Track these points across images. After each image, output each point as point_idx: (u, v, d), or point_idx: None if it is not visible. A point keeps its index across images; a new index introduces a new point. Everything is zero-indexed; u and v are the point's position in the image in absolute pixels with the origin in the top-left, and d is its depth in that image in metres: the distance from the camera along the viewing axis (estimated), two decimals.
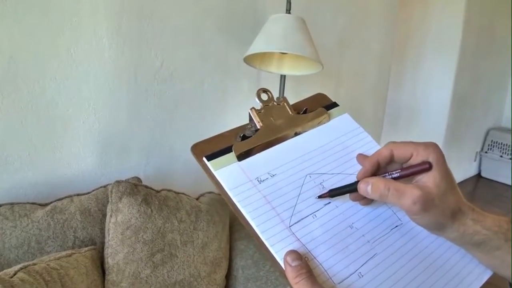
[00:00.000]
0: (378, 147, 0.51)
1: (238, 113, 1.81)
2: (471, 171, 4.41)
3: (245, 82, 1.80)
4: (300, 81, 2.01)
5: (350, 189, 0.46)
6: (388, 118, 3.34)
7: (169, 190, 1.35)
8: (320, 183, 0.48)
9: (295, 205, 0.44)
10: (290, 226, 0.42)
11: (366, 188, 0.44)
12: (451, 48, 3.60)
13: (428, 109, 3.76)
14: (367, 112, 2.64)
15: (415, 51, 3.77)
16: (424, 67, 3.77)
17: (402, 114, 3.86)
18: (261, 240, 0.41)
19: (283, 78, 1.68)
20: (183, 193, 1.38)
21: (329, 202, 0.46)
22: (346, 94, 2.44)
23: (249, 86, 1.89)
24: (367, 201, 0.47)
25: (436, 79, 3.71)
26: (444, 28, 3.58)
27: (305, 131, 0.53)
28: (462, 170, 4.18)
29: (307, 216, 0.44)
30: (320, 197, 0.46)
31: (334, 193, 0.46)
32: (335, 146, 0.52)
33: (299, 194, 0.46)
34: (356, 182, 0.45)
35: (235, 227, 1.50)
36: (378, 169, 0.46)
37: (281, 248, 0.41)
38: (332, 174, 0.49)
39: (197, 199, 1.41)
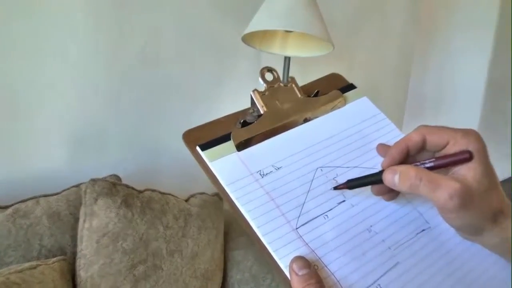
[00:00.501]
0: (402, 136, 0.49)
1: (235, 100, 1.78)
2: (509, 172, 4.40)
3: (243, 65, 1.79)
4: (307, 64, 2.00)
5: (372, 180, 0.45)
6: (410, 108, 3.32)
7: (153, 190, 1.35)
8: (334, 178, 0.48)
9: (304, 204, 0.45)
10: (297, 228, 0.43)
11: (393, 177, 0.43)
12: (485, 25, 3.57)
13: (458, 98, 3.73)
14: (386, 100, 2.63)
15: (443, 29, 3.75)
16: (453, 48, 3.74)
17: (426, 104, 3.83)
18: (263, 244, 0.41)
19: (287, 60, 1.67)
20: (170, 194, 1.37)
21: (344, 201, 0.46)
22: (361, 80, 2.44)
23: (248, 70, 1.87)
24: (392, 195, 0.47)
25: (467, 62, 3.68)
26: (477, 1, 3.55)
27: (317, 117, 0.53)
28: (498, 170, 4.15)
29: (317, 216, 0.44)
30: (336, 188, 0.46)
31: (353, 184, 0.46)
32: (352, 134, 0.52)
33: (308, 191, 0.46)
34: (381, 172, 0.44)
35: (231, 234, 1.49)
36: (406, 158, 0.45)
37: (287, 254, 0.41)
38: (348, 167, 0.49)
39: (186, 200, 1.41)
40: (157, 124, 1.62)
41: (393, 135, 0.53)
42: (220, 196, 1.46)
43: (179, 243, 1.30)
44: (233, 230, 1.47)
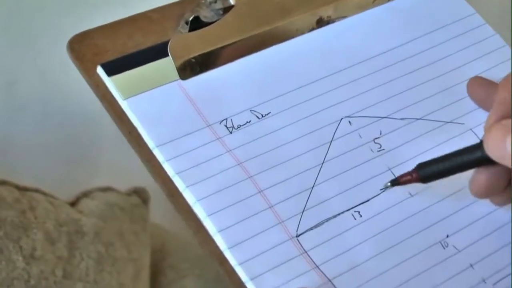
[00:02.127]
0: None
1: None
2: None
3: None
4: None
5: (466, 160, 0.34)
6: None
7: (3, 183, 0.98)
8: (375, 140, 0.36)
9: (313, 188, 0.34)
10: (298, 236, 0.33)
11: (504, 140, 0.32)
12: None
13: None
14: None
15: None
16: None
17: None
18: (236, 278, 0.32)
19: None
20: (37, 190, 0.98)
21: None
22: None
23: None
24: (507, 198, 0.36)
25: None
26: None
27: (343, 17, 0.41)
28: None
29: (339, 213, 0.34)
30: (394, 183, 0.35)
31: (429, 171, 0.34)
32: (415, 54, 0.41)
33: (323, 163, 0.35)
34: (481, 144, 0.33)
35: (165, 268, 1.12)
36: None
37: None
38: (404, 119, 0.38)
39: (72, 204, 0.99)
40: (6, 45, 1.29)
41: (507, 69, 0.40)
42: (143, 195, 1.01)
43: None
44: (170, 256, 1.10)
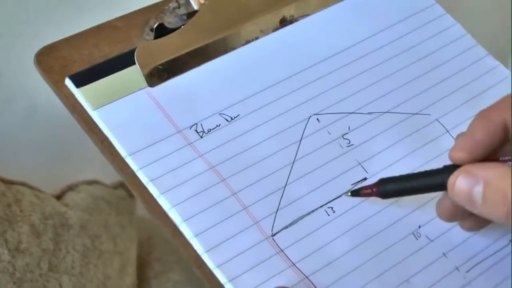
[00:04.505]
0: (505, 72, 0.41)
1: None
2: None
3: None
4: None
5: (429, 183, 0.34)
6: None
7: None
8: (343, 136, 0.37)
9: (285, 187, 0.34)
10: (273, 236, 0.33)
11: (472, 190, 0.31)
12: None
13: None
14: None
15: None
16: None
17: None
18: (215, 279, 0.32)
19: None
20: (23, 183, 0.95)
21: (365, 178, 0.36)
22: None
23: None
24: (480, 222, 0.36)
25: None
26: None
27: (307, 15, 0.41)
28: None
29: (313, 210, 0.34)
30: (354, 194, 0.35)
31: (389, 188, 0.34)
32: (380, 47, 0.41)
33: (294, 162, 0.35)
34: (448, 169, 0.33)
35: (153, 260, 1.11)
36: (499, 145, 0.34)
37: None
38: (371, 113, 0.38)
39: (58, 197, 0.98)
40: None
41: (471, 58, 0.42)
42: (128, 188, 0.99)
43: (42, 285, 0.91)
44: (156, 249, 1.10)
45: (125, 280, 0.87)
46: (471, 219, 0.35)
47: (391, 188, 0.35)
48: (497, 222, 0.33)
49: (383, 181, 0.34)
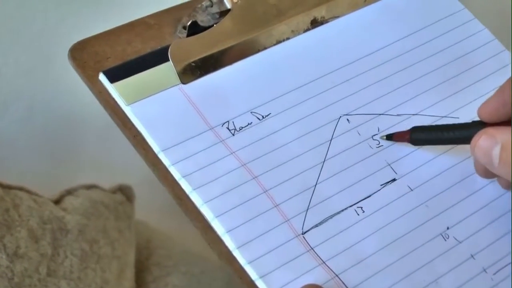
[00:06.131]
0: None
1: None
2: None
3: None
4: None
5: (458, 135, 0.35)
6: None
7: None
8: (373, 137, 0.37)
9: (315, 186, 0.34)
10: (303, 233, 0.33)
11: (491, 149, 0.32)
12: None
13: None
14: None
15: None
16: None
17: None
18: (247, 277, 0.32)
19: None
20: (21, 188, 0.94)
21: (394, 179, 0.36)
22: None
23: None
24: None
25: None
26: None
27: (337, 16, 0.42)
28: None
29: (343, 210, 0.34)
30: (388, 137, 0.37)
31: (421, 136, 0.36)
32: (408, 51, 0.41)
33: (324, 161, 0.35)
34: (475, 124, 0.34)
35: (152, 257, 1.08)
36: None
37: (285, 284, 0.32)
38: (400, 115, 0.38)
39: (56, 202, 0.97)
40: None
41: (499, 63, 0.42)
42: (127, 192, 1.00)
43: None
44: (154, 254, 1.07)
45: (123, 284, 0.87)
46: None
47: (423, 136, 0.36)
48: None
49: (415, 129, 0.36)
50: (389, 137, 0.37)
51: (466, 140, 0.34)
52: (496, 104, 0.34)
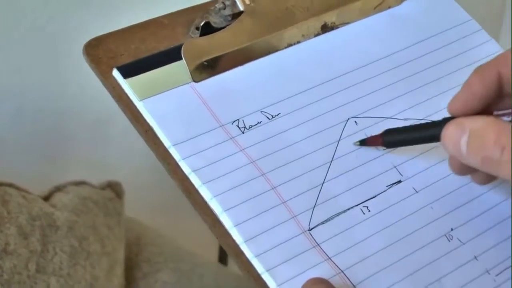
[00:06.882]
0: None
1: None
2: None
3: None
4: None
5: (426, 134, 0.35)
6: None
7: None
8: None
9: (323, 184, 0.35)
10: (310, 230, 0.34)
11: (459, 139, 0.32)
12: None
13: None
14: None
15: None
16: None
17: None
18: (255, 272, 0.32)
19: None
20: (11, 185, 0.93)
21: (399, 181, 0.36)
22: None
23: None
24: (487, 177, 0.36)
25: None
26: None
27: (347, 23, 0.43)
28: None
29: (349, 208, 0.35)
30: (362, 143, 0.37)
31: (392, 138, 0.36)
32: (415, 58, 0.42)
33: (332, 161, 0.36)
34: (446, 121, 0.34)
35: (142, 253, 1.07)
36: (493, 99, 0.34)
37: (290, 278, 0.32)
38: (407, 119, 0.39)
39: (46, 198, 0.95)
40: None
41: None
42: (117, 189, 0.99)
43: (30, 286, 0.88)
44: (144, 250, 1.04)
45: (113, 281, 0.86)
46: (480, 172, 0.37)
47: (395, 138, 0.37)
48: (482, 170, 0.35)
49: (387, 132, 0.37)
50: (362, 142, 0.38)
51: (439, 137, 0.34)
52: (465, 98, 0.34)
